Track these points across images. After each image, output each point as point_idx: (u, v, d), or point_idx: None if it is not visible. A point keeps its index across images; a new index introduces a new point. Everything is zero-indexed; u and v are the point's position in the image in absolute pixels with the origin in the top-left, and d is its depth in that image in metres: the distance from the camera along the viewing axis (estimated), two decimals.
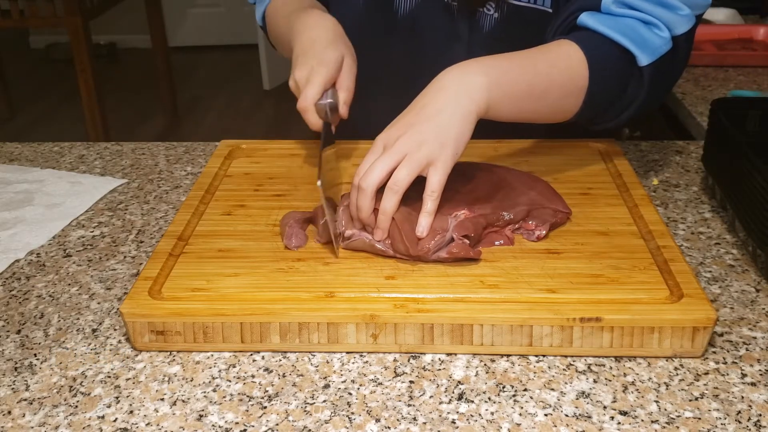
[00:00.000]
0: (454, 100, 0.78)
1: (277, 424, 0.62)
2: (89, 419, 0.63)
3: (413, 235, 0.76)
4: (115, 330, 0.74)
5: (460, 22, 1.02)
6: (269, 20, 1.10)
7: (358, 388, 0.66)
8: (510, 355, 0.69)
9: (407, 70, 1.07)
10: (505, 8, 0.99)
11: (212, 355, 0.70)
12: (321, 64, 0.88)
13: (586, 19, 0.88)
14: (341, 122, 0.93)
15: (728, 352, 0.69)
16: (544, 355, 0.69)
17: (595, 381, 0.66)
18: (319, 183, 0.77)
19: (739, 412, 0.62)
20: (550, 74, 0.84)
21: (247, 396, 0.65)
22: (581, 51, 0.85)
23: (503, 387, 0.65)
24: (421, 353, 0.70)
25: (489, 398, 0.64)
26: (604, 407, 0.63)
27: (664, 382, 0.66)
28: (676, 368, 0.67)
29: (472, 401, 0.64)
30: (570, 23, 0.91)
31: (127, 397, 0.65)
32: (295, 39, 0.94)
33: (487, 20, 1.00)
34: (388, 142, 0.77)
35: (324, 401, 0.64)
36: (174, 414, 0.63)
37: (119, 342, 0.73)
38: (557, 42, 0.88)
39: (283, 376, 0.68)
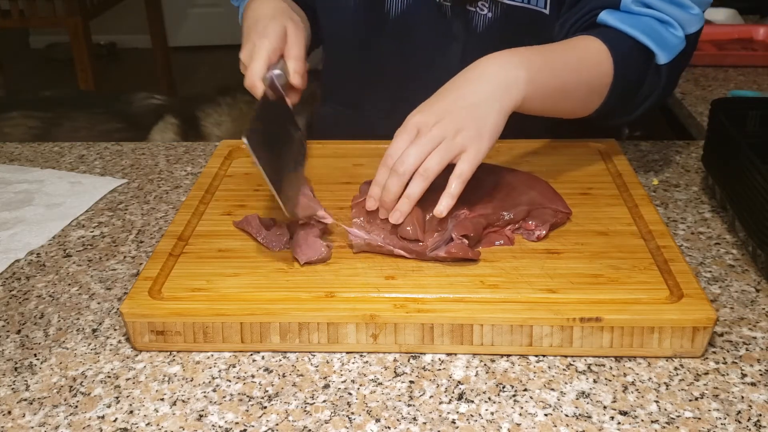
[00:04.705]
0: (494, 92, 0.77)
1: (277, 424, 0.62)
2: (89, 419, 0.63)
3: (423, 220, 0.77)
4: (115, 330, 0.74)
5: (454, 22, 1.02)
6: None
7: (358, 388, 0.66)
8: (510, 355, 0.69)
9: (402, 71, 1.07)
10: (498, 8, 0.99)
11: (212, 355, 0.70)
12: (262, 38, 0.86)
13: (606, 17, 0.89)
14: (333, 122, 0.92)
15: (728, 352, 0.69)
16: (544, 355, 0.69)
17: (595, 381, 0.66)
18: (244, 140, 0.71)
19: (739, 412, 0.62)
20: (580, 72, 0.85)
21: (247, 396, 0.65)
22: (607, 48, 0.86)
23: (503, 387, 0.65)
24: (421, 353, 0.70)
25: (489, 398, 0.64)
26: (604, 407, 0.63)
27: (664, 382, 0.66)
28: (676, 368, 0.67)
29: (472, 401, 0.64)
30: (588, 20, 0.92)
31: (127, 397, 0.65)
32: (243, 24, 0.93)
33: (481, 20, 1.00)
34: (423, 127, 0.76)
35: (324, 401, 0.64)
36: (174, 414, 0.63)
37: (119, 342, 0.73)
38: (583, 38, 0.88)
39: (283, 376, 0.67)
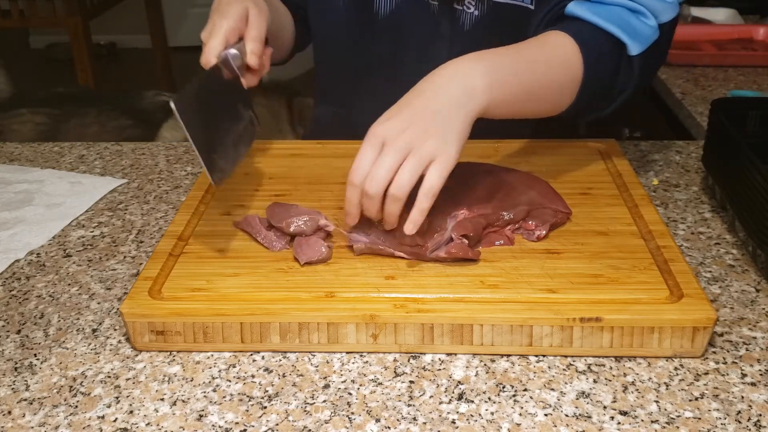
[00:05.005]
0: (459, 98, 0.75)
1: (277, 424, 0.62)
2: (89, 419, 0.63)
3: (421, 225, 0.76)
4: (115, 330, 0.74)
5: (442, 21, 1.02)
6: None
7: (358, 388, 0.66)
8: (510, 355, 0.69)
9: (390, 70, 1.07)
10: (485, 6, 0.99)
11: (212, 355, 0.70)
12: (222, 17, 0.84)
13: (574, 8, 0.87)
14: (328, 122, 0.91)
15: (728, 352, 0.69)
16: (544, 355, 0.69)
17: (595, 381, 0.66)
18: (172, 104, 0.70)
19: (739, 412, 0.62)
20: (548, 73, 0.83)
21: (247, 396, 0.65)
22: (575, 44, 0.84)
23: (503, 387, 0.65)
24: (421, 353, 0.70)
25: (489, 398, 0.64)
26: (604, 407, 0.63)
27: (664, 382, 0.66)
28: (676, 368, 0.67)
29: (472, 401, 0.64)
30: (557, 12, 0.90)
31: (127, 397, 0.65)
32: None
33: (468, 18, 1.00)
34: (389, 137, 0.73)
35: (324, 401, 0.64)
36: (174, 414, 0.63)
37: (119, 342, 0.73)
38: (551, 34, 0.85)
39: (283, 376, 0.67)
